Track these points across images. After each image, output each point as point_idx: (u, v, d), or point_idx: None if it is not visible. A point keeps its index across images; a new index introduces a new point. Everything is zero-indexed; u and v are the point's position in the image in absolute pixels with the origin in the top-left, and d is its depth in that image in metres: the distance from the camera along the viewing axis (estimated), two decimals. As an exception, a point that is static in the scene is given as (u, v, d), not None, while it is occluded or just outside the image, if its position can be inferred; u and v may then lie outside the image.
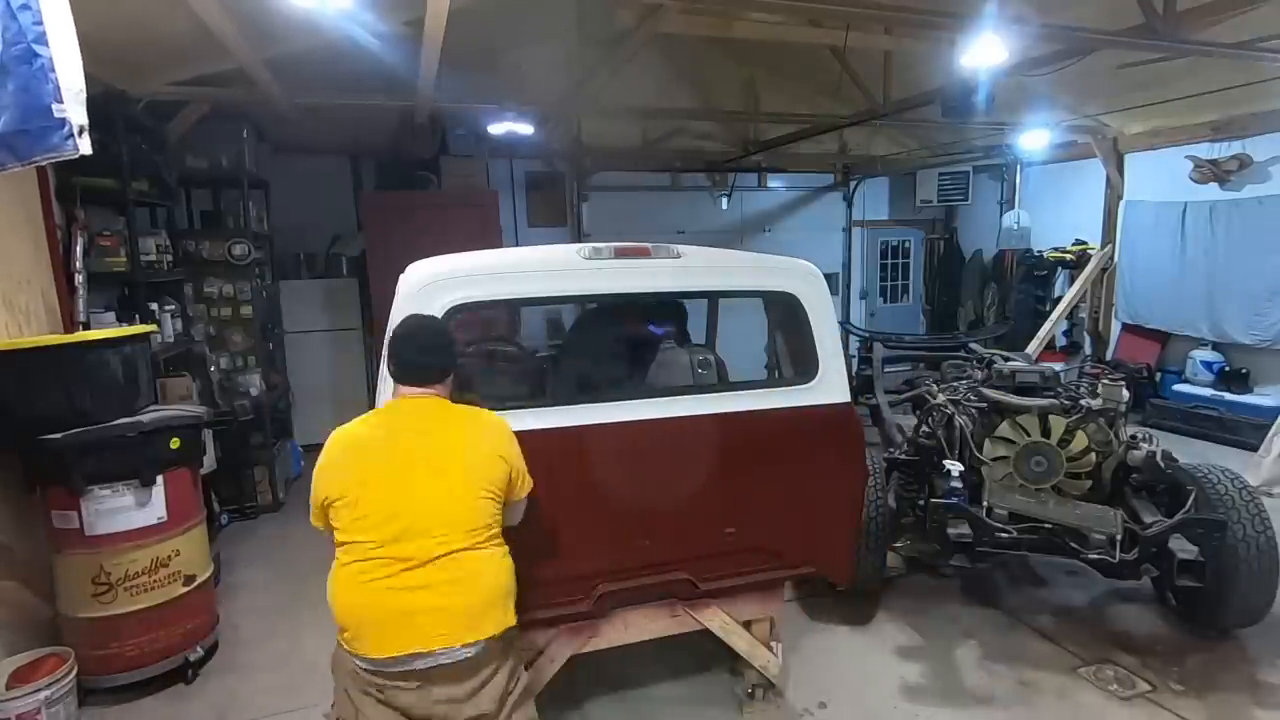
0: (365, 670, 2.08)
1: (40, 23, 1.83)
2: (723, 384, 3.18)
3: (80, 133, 1.92)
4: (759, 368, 4.78)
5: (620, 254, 2.68)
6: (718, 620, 3.02)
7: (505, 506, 2.24)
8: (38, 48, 1.84)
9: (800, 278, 2.90)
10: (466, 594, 2.09)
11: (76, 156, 1.94)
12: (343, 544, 2.11)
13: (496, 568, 2.17)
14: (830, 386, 2.89)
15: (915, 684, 3.50)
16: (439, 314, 2.46)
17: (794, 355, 3.04)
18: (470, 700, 2.11)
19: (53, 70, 1.85)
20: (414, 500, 2.08)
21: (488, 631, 2.11)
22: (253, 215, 6.20)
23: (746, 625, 3.10)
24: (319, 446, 2.20)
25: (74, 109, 1.90)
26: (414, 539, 2.05)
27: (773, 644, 3.17)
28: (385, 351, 2.29)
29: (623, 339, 3.49)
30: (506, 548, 2.23)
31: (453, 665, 2.07)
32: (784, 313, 3.06)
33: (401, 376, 2.25)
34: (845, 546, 3.20)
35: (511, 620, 2.19)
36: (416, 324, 2.30)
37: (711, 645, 3.21)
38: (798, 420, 2.86)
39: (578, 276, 2.66)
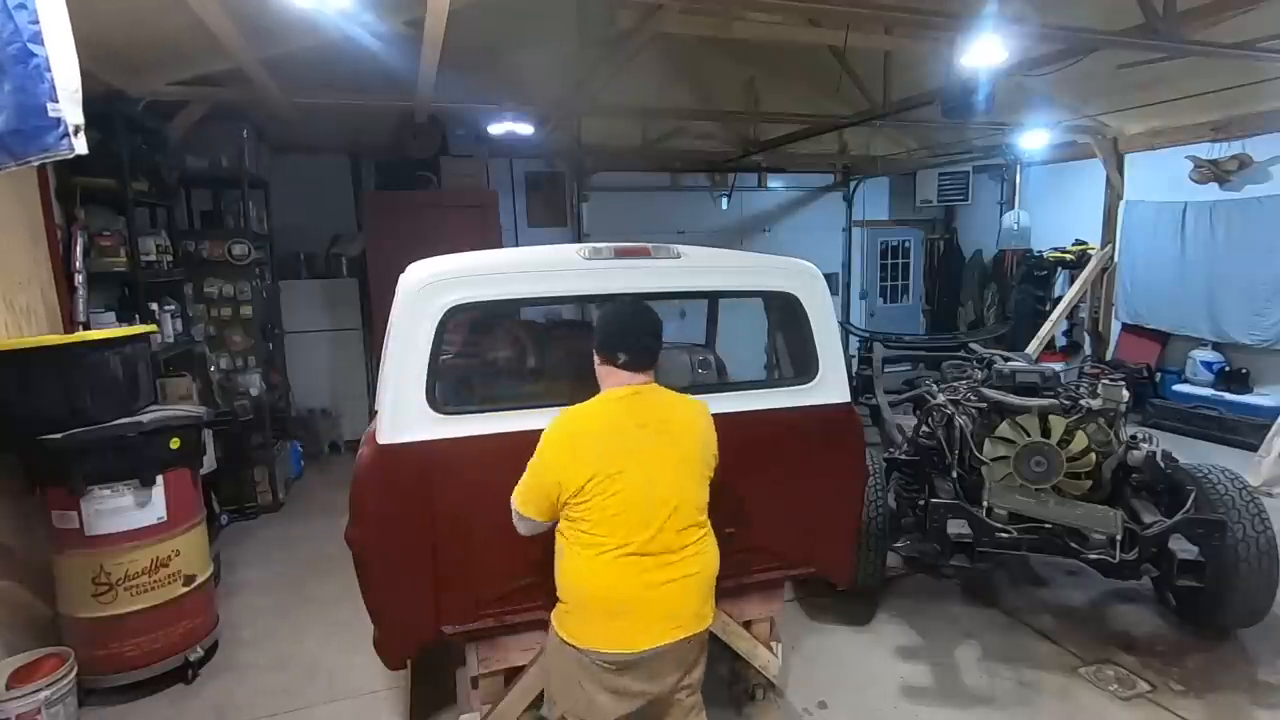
0: (605, 664, 2.11)
1: (36, 21, 1.82)
2: (722, 384, 3.17)
3: (76, 132, 1.91)
4: (759, 368, 4.77)
5: (620, 254, 2.67)
6: (718, 620, 3.01)
7: None
8: (33, 47, 1.83)
9: (800, 278, 2.89)
10: (706, 582, 2.21)
11: (72, 156, 1.94)
12: (592, 534, 2.11)
13: (716, 550, 2.27)
14: (830, 386, 2.89)
15: (915, 684, 3.50)
16: (439, 314, 2.45)
17: (794, 355, 3.03)
18: (690, 676, 2.25)
19: (48, 69, 1.84)
20: (668, 493, 2.13)
21: (712, 614, 2.26)
22: (253, 215, 6.21)
23: (746, 625, 3.10)
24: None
25: (69, 108, 1.89)
26: (669, 532, 2.12)
27: (773, 644, 3.17)
28: (603, 340, 2.27)
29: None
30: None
31: (690, 648, 2.19)
32: (784, 313, 3.05)
33: (633, 362, 2.23)
34: (845, 547, 3.20)
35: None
36: (634, 307, 2.32)
37: (712, 645, 3.19)
38: (798, 420, 2.85)
39: (578, 277, 2.65)
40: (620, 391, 2.23)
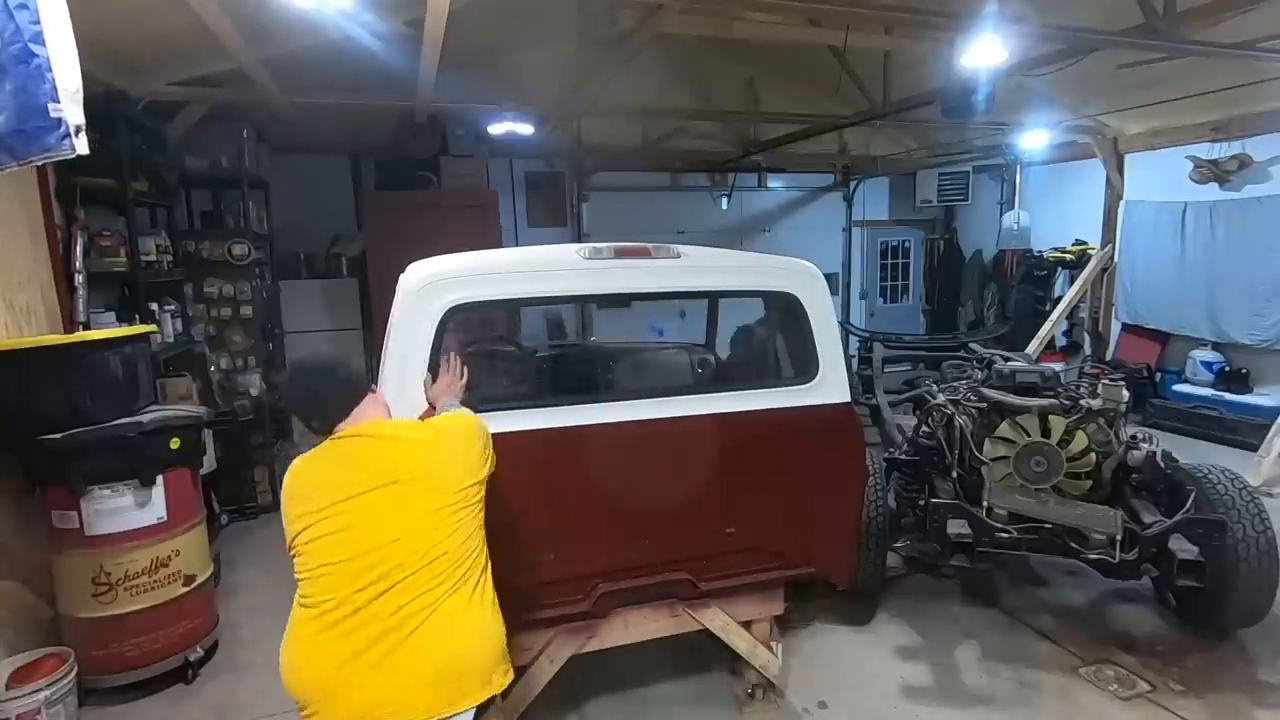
0: None
1: (38, 22, 1.83)
2: (723, 384, 3.18)
3: (77, 132, 1.91)
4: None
5: (620, 254, 2.68)
6: (718, 620, 3.02)
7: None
8: (35, 47, 1.83)
9: (800, 278, 2.90)
10: (478, 651, 1.90)
11: (73, 156, 1.94)
12: (302, 597, 1.90)
13: (485, 610, 1.95)
14: (830, 386, 2.90)
15: (915, 684, 3.50)
16: (439, 314, 2.45)
17: (794, 355, 3.04)
18: None
19: (50, 70, 1.84)
20: (380, 545, 1.85)
21: (496, 683, 1.92)
22: (253, 215, 6.20)
23: (746, 625, 3.10)
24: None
25: (71, 108, 1.89)
26: (386, 595, 1.83)
27: (773, 644, 3.17)
28: (297, 414, 2.18)
29: None
30: (493, 594, 2.01)
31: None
32: (784, 313, 3.06)
33: (323, 426, 2.05)
34: (845, 547, 3.21)
35: (496, 687, 1.94)
36: (301, 374, 2.18)
37: (711, 645, 3.21)
38: (798, 420, 2.85)
39: (578, 276, 2.67)
40: (335, 437, 2.03)
